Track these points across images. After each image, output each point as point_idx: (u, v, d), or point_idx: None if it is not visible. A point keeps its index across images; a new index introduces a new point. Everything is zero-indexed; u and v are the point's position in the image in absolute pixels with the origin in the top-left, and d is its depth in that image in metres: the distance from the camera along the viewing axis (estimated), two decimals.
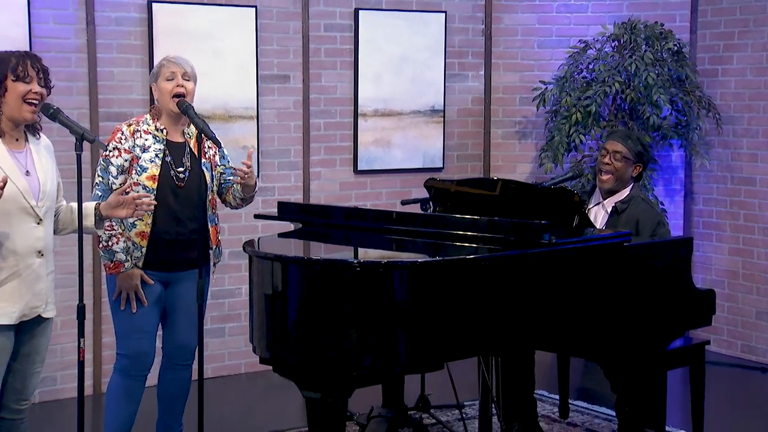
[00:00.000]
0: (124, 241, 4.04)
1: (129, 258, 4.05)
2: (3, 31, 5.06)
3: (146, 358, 4.17)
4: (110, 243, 4.03)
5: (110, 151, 4.06)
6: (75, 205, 3.67)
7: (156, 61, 4.68)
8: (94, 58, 5.46)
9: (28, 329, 3.50)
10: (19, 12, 5.17)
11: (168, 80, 4.10)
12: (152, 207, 3.92)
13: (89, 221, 3.65)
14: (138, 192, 3.92)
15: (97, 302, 5.51)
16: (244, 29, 5.83)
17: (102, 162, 4.10)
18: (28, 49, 5.08)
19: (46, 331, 3.57)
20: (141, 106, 5.47)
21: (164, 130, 4.13)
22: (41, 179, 3.48)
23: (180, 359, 4.28)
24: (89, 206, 3.67)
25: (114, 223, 4.00)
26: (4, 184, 3.25)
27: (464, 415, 4.86)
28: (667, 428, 4.34)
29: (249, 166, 4.09)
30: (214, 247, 4.23)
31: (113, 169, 4.05)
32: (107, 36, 5.49)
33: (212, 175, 4.20)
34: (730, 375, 6.05)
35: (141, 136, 4.10)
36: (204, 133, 3.95)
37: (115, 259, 4.04)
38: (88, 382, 5.45)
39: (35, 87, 3.42)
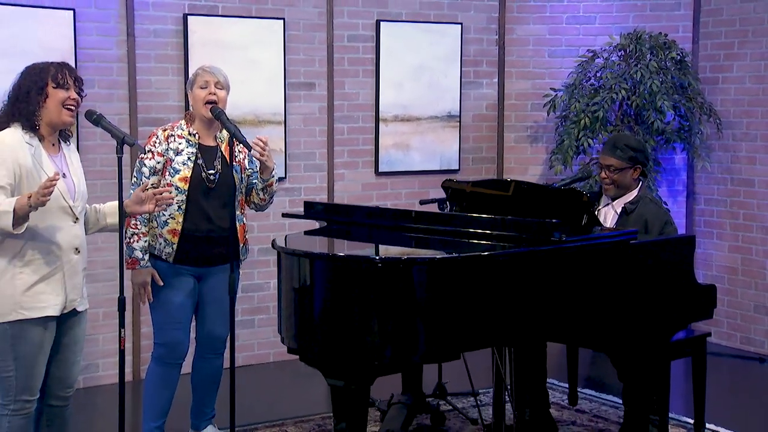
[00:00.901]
0: (144, 241, 4.03)
1: (145, 257, 4.04)
2: (51, 43, 5.10)
3: (181, 347, 4.17)
4: (131, 240, 4.03)
5: (145, 153, 4.06)
6: (98, 205, 3.68)
7: (191, 71, 4.68)
8: (133, 68, 5.46)
9: (66, 321, 3.51)
10: (66, 25, 5.19)
11: (201, 88, 4.09)
12: (172, 201, 3.90)
13: (115, 219, 3.64)
14: (171, 192, 3.91)
15: (136, 295, 5.50)
16: (273, 40, 5.82)
17: (137, 164, 4.11)
18: (73, 59, 5.11)
19: (81, 322, 3.58)
20: (177, 112, 5.47)
21: (197, 135, 4.12)
22: (75, 181, 3.50)
23: (211, 348, 4.28)
24: (116, 204, 3.65)
25: (138, 222, 4.00)
26: (57, 178, 3.22)
27: (479, 402, 4.84)
28: (670, 415, 4.30)
29: (264, 142, 4.05)
30: (241, 245, 4.22)
31: (146, 170, 4.06)
32: (146, 47, 5.50)
33: (241, 177, 4.19)
34: (729, 365, 5.99)
35: (175, 140, 4.09)
36: (235, 137, 3.94)
37: (132, 256, 4.04)
38: (128, 369, 5.45)
39: (73, 94, 3.44)
